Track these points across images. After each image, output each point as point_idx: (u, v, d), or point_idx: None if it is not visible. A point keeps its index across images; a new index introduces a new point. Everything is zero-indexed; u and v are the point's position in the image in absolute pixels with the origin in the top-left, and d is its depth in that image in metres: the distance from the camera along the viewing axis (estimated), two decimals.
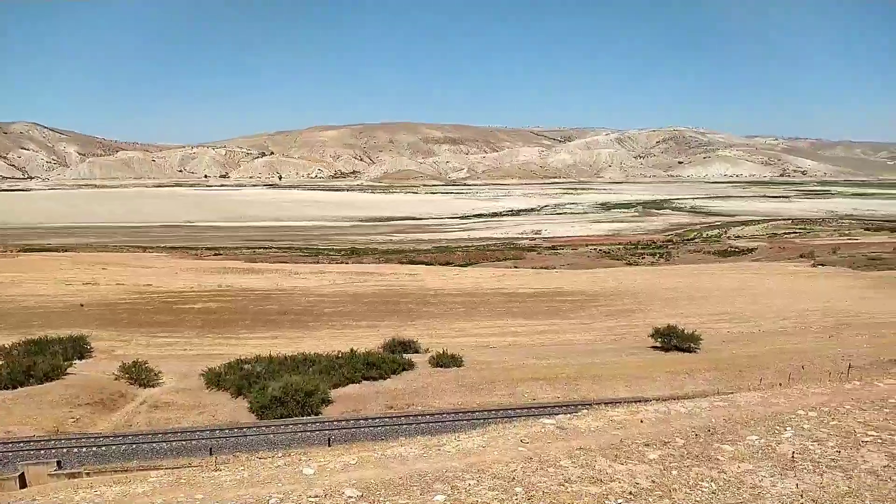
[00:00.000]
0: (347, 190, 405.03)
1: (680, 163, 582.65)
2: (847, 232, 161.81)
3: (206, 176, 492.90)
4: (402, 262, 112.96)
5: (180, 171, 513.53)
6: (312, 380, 30.16)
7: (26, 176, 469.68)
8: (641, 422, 8.49)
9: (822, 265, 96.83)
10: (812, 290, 72.13)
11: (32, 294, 67.58)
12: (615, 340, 47.30)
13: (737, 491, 6.05)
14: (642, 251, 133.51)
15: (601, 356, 38.94)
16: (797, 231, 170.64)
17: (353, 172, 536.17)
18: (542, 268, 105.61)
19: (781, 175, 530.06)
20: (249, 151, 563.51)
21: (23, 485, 22.02)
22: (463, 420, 25.57)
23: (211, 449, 23.75)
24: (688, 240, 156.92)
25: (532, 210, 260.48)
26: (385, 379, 32.43)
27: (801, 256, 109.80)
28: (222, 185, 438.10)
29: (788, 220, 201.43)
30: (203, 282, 78.23)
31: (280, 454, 19.88)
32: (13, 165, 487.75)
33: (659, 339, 40.94)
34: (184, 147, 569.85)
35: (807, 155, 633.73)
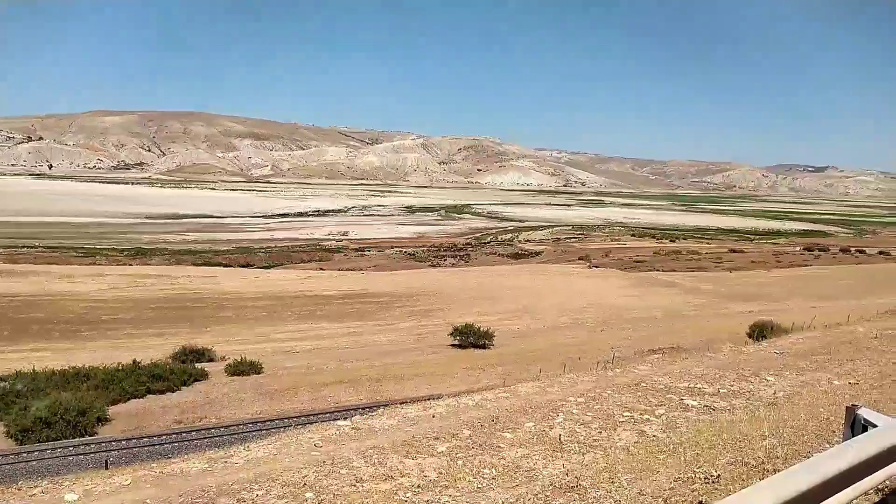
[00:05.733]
0: (133, 183, 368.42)
1: (479, 170, 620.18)
2: (617, 238, 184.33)
3: None
4: (196, 264, 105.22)
5: None
6: (86, 396, 26.88)
7: None
8: (433, 417, 8.83)
9: (597, 267, 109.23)
10: (588, 289, 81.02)
11: None
12: (418, 340, 48.79)
13: (514, 474, 6.56)
14: (444, 253, 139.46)
15: (404, 356, 39.92)
16: (576, 236, 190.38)
17: (141, 164, 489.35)
18: (348, 269, 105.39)
19: (565, 185, 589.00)
20: (11, 135, 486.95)
21: None
22: (261, 430, 24.59)
23: None
24: (485, 243, 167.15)
25: (339, 211, 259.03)
26: (174, 392, 30.05)
27: (579, 259, 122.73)
28: None
29: (570, 226, 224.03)
30: None
31: (45, 482, 17.38)
32: None
33: (457, 337, 43.06)
34: None
35: (586, 168, 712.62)
